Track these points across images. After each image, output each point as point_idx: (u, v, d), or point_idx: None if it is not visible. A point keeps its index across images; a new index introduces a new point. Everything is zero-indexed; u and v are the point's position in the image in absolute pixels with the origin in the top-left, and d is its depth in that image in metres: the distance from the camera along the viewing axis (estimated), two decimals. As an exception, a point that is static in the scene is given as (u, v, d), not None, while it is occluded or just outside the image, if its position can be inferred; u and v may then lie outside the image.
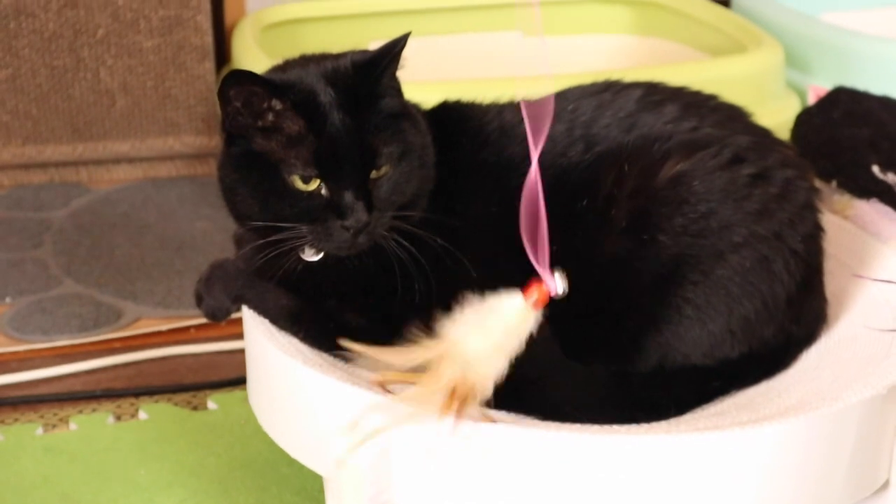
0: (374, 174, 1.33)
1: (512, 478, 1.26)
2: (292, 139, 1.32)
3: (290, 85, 1.33)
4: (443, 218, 1.38)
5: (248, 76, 1.31)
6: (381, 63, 1.34)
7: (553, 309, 1.32)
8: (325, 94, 1.32)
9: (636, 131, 1.40)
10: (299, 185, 1.32)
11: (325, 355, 1.37)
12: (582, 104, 1.44)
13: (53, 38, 2.47)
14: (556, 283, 1.28)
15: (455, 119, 1.46)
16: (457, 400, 1.23)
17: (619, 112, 1.42)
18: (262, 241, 1.36)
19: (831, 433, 1.28)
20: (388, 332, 1.35)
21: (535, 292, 1.28)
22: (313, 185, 1.32)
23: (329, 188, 1.32)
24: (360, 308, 1.37)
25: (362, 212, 1.31)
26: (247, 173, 1.34)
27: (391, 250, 1.34)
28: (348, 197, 1.31)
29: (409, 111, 1.38)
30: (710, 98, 1.47)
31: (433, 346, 1.26)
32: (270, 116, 1.32)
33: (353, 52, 1.38)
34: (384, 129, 1.33)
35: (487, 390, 1.25)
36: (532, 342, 1.31)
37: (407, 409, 1.27)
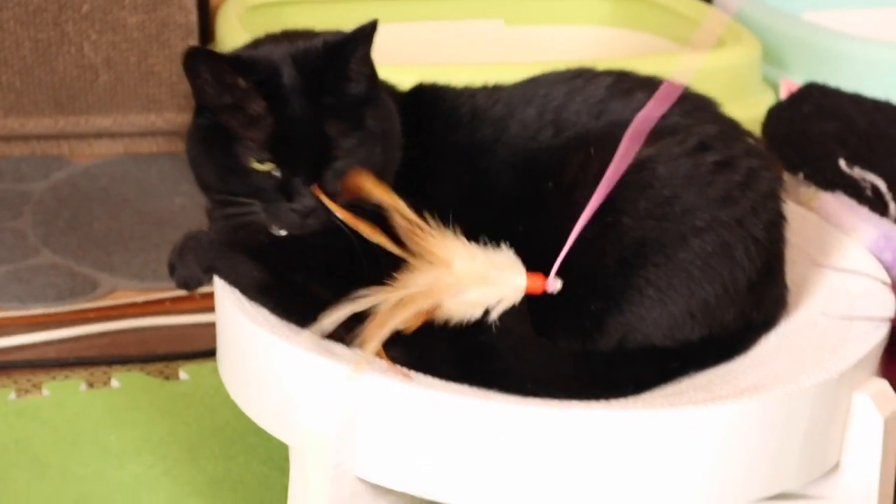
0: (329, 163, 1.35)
1: (473, 449, 1.28)
2: (252, 119, 1.34)
3: (255, 63, 1.34)
4: (413, 199, 1.40)
5: (209, 54, 1.33)
6: (349, 46, 1.35)
7: None
8: (289, 76, 1.34)
9: (605, 118, 1.43)
10: (254, 164, 1.34)
11: (293, 326, 1.39)
12: (554, 90, 1.47)
13: (38, 12, 2.49)
14: (554, 283, 1.33)
15: (429, 101, 1.48)
16: (422, 309, 1.27)
17: (589, 98, 1.45)
18: (224, 213, 1.38)
19: (785, 415, 1.31)
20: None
21: (535, 282, 1.32)
22: (268, 166, 1.34)
23: (282, 171, 1.34)
24: (326, 284, 1.40)
25: (310, 198, 1.33)
26: (209, 145, 1.37)
27: (349, 231, 1.36)
28: (298, 182, 1.33)
29: (376, 97, 1.39)
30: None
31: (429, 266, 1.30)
32: (234, 94, 1.34)
33: (327, 33, 1.40)
34: (345, 117, 1.35)
35: (450, 319, 1.29)
36: (507, 315, 1.34)
37: (373, 378, 1.30)
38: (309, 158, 1.34)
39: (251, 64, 1.34)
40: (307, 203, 1.33)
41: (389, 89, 1.47)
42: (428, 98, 1.48)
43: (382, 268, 1.39)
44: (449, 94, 1.49)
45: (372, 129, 1.37)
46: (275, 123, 1.33)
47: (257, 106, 1.34)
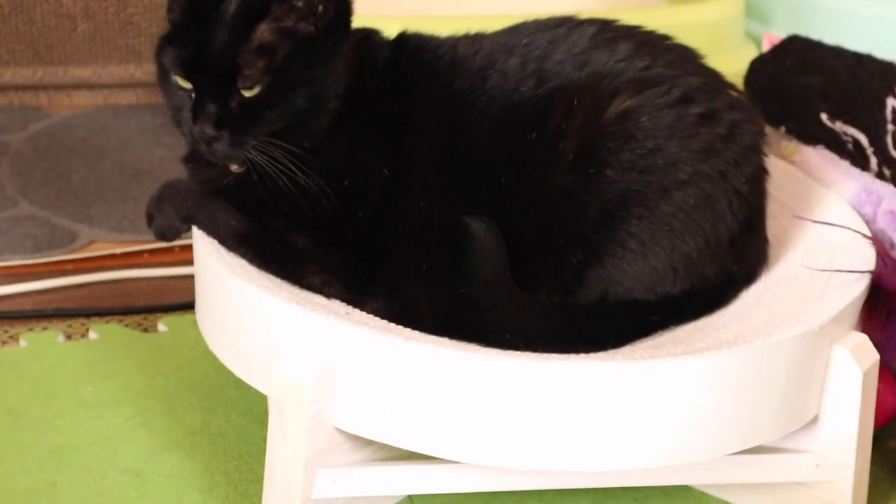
0: (243, 93, 1.34)
1: (451, 400, 1.28)
2: (181, 34, 1.35)
3: None
4: (393, 152, 1.40)
5: None
6: None
7: (504, 238, 1.34)
8: (228, 2, 1.33)
9: (588, 68, 1.42)
10: (178, 80, 1.35)
11: (271, 276, 1.39)
12: (536, 38, 1.45)
13: (16, -40, 2.47)
14: None
15: (411, 52, 1.47)
16: None
17: (572, 48, 1.44)
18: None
19: (763, 367, 1.31)
20: (334, 254, 1.37)
21: None
22: (186, 85, 1.35)
23: (195, 92, 1.34)
24: (303, 230, 1.39)
25: (209, 125, 1.33)
26: (161, 59, 1.38)
27: (274, 173, 1.35)
28: (201, 105, 1.34)
29: (317, 42, 1.36)
30: (664, 38, 1.49)
31: None
32: (175, 6, 1.36)
33: None
34: (264, 52, 1.33)
35: None
36: (487, 267, 1.34)
37: (352, 329, 1.30)
38: (216, 83, 1.33)
39: None
40: (205, 129, 1.34)
41: (374, 38, 1.45)
42: (410, 48, 1.47)
43: (359, 215, 1.39)
44: (430, 45, 1.48)
45: (296, 70, 1.35)
46: (195, 42, 1.33)
47: (187, 22, 1.35)
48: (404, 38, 1.48)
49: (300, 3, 1.35)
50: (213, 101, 1.34)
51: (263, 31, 1.34)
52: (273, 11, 1.34)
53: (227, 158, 1.37)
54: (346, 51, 1.40)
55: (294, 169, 1.35)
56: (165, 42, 1.37)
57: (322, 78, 1.38)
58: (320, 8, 1.36)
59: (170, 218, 1.46)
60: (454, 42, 1.48)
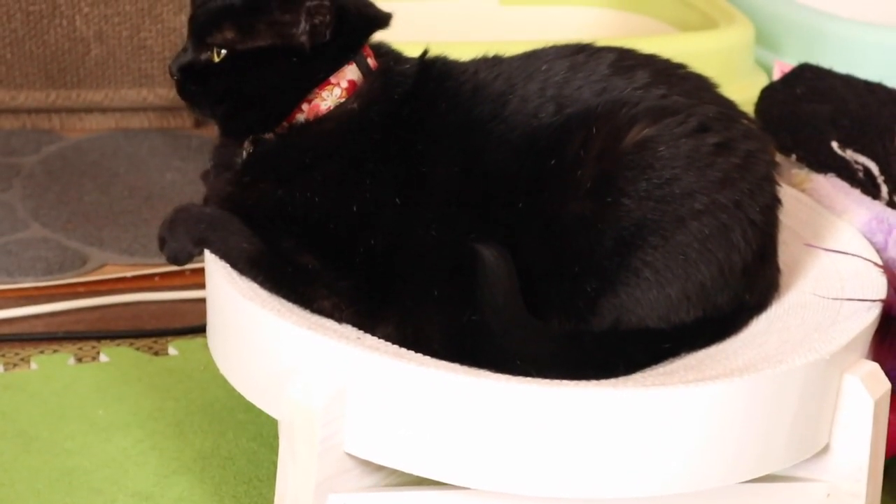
0: (213, 56, 1.42)
1: (462, 426, 1.28)
2: None
3: None
4: (411, 181, 1.40)
5: None
6: None
7: (518, 264, 1.35)
8: None
9: (606, 95, 1.42)
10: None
11: (283, 300, 1.39)
12: (555, 65, 1.46)
13: (30, -17, 2.48)
14: None
15: (434, 80, 1.47)
16: None
17: (591, 75, 1.44)
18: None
19: (774, 395, 1.31)
20: (344, 278, 1.37)
21: None
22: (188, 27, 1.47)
23: (188, 37, 1.46)
24: (313, 251, 1.39)
25: (175, 64, 1.44)
26: None
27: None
28: (184, 48, 1.45)
29: (301, 52, 1.41)
30: (680, 67, 1.50)
31: None
32: None
33: None
34: (239, 29, 1.41)
35: None
36: (498, 294, 1.34)
37: (363, 353, 1.30)
38: (198, 35, 1.43)
39: None
40: (172, 65, 1.45)
41: (395, 70, 1.46)
42: (434, 76, 1.47)
43: (369, 241, 1.39)
44: (454, 70, 1.48)
45: (257, 63, 1.42)
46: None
47: None
48: (428, 66, 1.48)
49: (302, 18, 1.39)
50: (190, 48, 1.44)
51: (257, 20, 1.40)
52: (273, 13, 1.40)
53: (186, 100, 1.47)
54: (356, 76, 1.44)
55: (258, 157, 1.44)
56: None
57: (284, 84, 1.43)
58: (323, 29, 1.40)
59: (182, 241, 1.46)
60: (476, 67, 1.48)
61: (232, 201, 1.44)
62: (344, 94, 1.43)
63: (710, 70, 1.52)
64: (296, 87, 1.44)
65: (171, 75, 1.45)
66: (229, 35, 1.42)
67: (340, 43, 1.43)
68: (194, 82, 1.44)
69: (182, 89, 1.45)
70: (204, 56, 1.43)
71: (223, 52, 1.42)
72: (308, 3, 1.39)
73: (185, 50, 1.45)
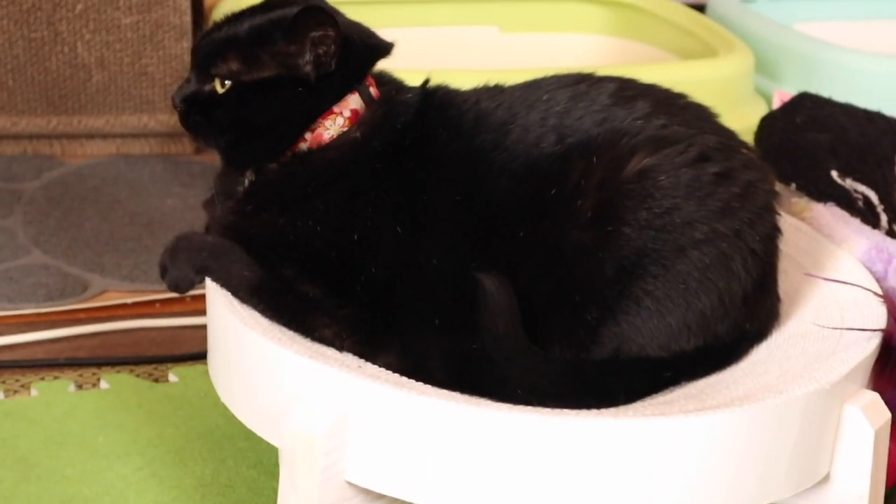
0: (216, 86, 1.42)
1: (463, 455, 1.28)
2: (215, 24, 1.48)
3: None
4: (410, 210, 1.41)
5: None
6: (283, 24, 1.42)
7: (519, 293, 1.35)
8: (263, 7, 1.46)
9: (607, 125, 1.43)
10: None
11: (284, 328, 1.39)
12: (557, 95, 1.46)
13: (32, 11, 2.49)
14: None
15: (435, 109, 1.48)
16: None
17: (592, 105, 1.44)
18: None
19: (774, 425, 1.31)
20: (345, 306, 1.38)
21: None
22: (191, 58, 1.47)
23: (192, 67, 1.46)
24: (314, 280, 1.40)
25: (179, 95, 1.45)
26: None
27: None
28: (188, 78, 1.46)
29: (304, 82, 1.42)
30: (680, 97, 1.50)
31: None
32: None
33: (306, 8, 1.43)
34: (244, 60, 1.42)
35: None
36: (499, 323, 1.34)
37: (364, 382, 1.30)
38: (202, 66, 1.44)
39: None
40: (174, 97, 1.45)
41: (396, 99, 1.47)
42: (435, 105, 1.48)
43: (371, 269, 1.40)
44: (456, 100, 1.49)
45: (262, 94, 1.42)
46: (214, 29, 1.46)
47: (226, 18, 1.47)
48: (429, 95, 1.49)
49: (306, 49, 1.40)
50: (194, 79, 1.44)
51: (261, 50, 1.41)
52: (278, 44, 1.40)
53: (189, 131, 1.47)
54: (359, 105, 1.44)
55: (261, 187, 1.44)
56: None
57: (289, 115, 1.43)
58: (328, 59, 1.41)
59: (183, 269, 1.46)
60: (478, 96, 1.49)
61: (234, 230, 1.44)
62: (347, 123, 1.44)
63: (709, 98, 1.53)
64: (301, 116, 1.44)
65: (174, 106, 1.45)
66: (234, 66, 1.42)
67: (345, 72, 1.43)
68: (198, 113, 1.44)
69: (186, 120, 1.45)
70: (207, 87, 1.43)
71: (227, 82, 1.42)
72: (313, 34, 1.40)
73: (188, 80, 1.45)
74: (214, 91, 1.43)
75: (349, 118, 1.44)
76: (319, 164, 1.43)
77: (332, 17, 1.40)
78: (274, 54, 1.41)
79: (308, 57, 1.41)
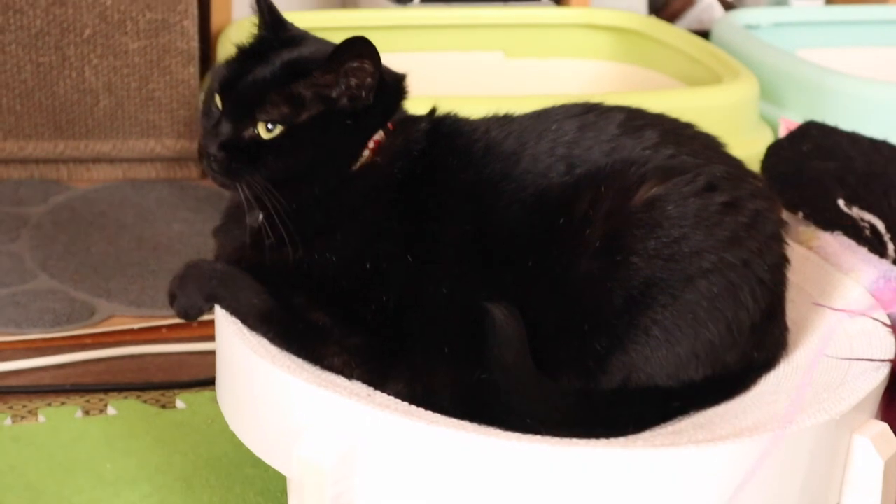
0: (260, 131, 1.40)
1: (472, 484, 1.28)
2: (233, 60, 1.45)
3: (272, 14, 1.47)
4: (419, 239, 1.41)
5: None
6: (318, 61, 1.41)
7: (528, 322, 1.35)
8: (279, 43, 1.44)
9: (616, 154, 1.43)
10: (216, 98, 1.43)
11: (293, 357, 1.39)
12: (565, 124, 1.47)
13: (40, 35, 2.50)
14: None
15: (444, 137, 1.48)
16: None
17: (600, 135, 1.45)
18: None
19: (784, 455, 1.31)
20: (355, 335, 1.38)
21: None
22: (219, 104, 1.42)
23: (221, 111, 1.42)
24: (324, 308, 1.40)
25: (215, 142, 1.40)
26: (210, 81, 1.48)
27: (267, 215, 1.41)
28: (219, 123, 1.41)
29: (349, 114, 1.41)
30: (688, 126, 1.51)
31: None
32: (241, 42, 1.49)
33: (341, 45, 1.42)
34: (291, 102, 1.39)
35: None
36: (508, 353, 1.34)
37: (374, 411, 1.30)
38: (240, 109, 1.40)
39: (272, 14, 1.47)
40: (209, 145, 1.40)
41: (410, 126, 1.47)
42: (444, 133, 1.49)
43: (381, 298, 1.40)
44: (465, 129, 1.49)
45: (312, 133, 1.40)
46: (242, 69, 1.42)
47: (244, 53, 1.45)
48: (438, 123, 1.49)
49: (340, 79, 1.40)
50: (230, 124, 1.40)
51: (300, 85, 1.40)
52: (314, 75, 1.39)
53: (219, 180, 1.42)
54: (380, 135, 1.44)
55: (290, 226, 1.39)
56: (222, 63, 1.45)
57: (335, 151, 1.42)
58: (363, 91, 1.41)
59: (193, 297, 1.47)
60: (487, 126, 1.49)
61: (245, 259, 1.44)
62: (370, 154, 1.44)
63: (714, 125, 1.53)
64: (347, 151, 1.43)
65: (207, 155, 1.40)
66: (285, 109, 1.39)
67: (383, 105, 1.44)
68: (239, 160, 1.40)
69: (227, 168, 1.40)
70: (247, 132, 1.40)
71: (273, 126, 1.40)
72: (349, 65, 1.40)
73: (216, 125, 1.41)
74: (257, 136, 1.40)
75: (373, 149, 1.45)
76: (345, 195, 1.43)
77: (373, 49, 1.40)
78: (309, 86, 1.40)
79: (342, 88, 1.41)
